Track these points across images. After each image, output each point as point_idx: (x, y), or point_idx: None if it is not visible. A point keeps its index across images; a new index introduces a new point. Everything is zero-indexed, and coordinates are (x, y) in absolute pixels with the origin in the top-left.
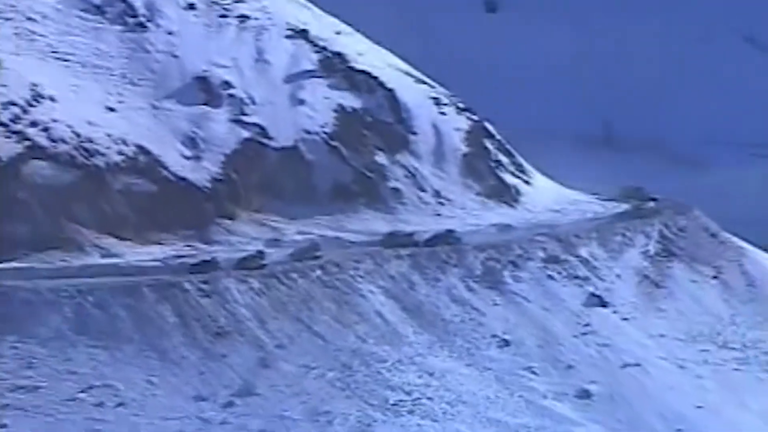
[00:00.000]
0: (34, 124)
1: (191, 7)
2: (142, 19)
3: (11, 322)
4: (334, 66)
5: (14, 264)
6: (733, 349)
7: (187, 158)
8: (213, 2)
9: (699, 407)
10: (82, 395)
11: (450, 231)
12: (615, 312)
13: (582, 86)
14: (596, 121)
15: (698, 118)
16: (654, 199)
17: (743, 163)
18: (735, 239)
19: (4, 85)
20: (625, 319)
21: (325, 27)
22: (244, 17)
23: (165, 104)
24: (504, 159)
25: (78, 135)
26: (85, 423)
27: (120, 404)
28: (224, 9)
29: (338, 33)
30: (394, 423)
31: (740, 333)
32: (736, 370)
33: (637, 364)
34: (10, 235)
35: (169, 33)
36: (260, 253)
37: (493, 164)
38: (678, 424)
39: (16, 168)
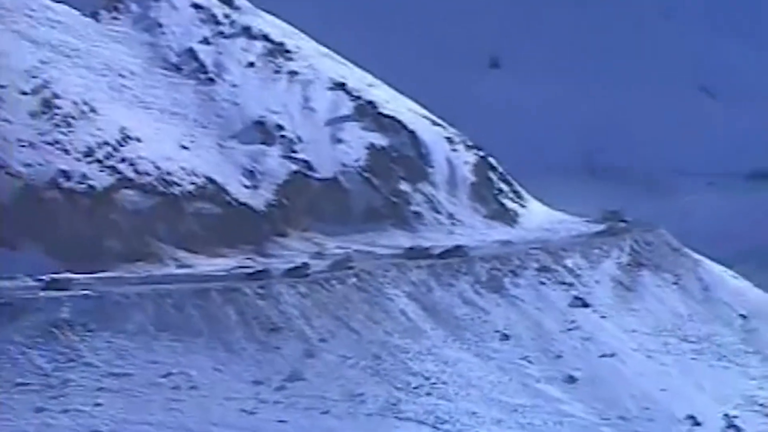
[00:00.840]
0: (123, 160)
1: (251, 65)
2: (211, 74)
3: (106, 321)
4: (366, 111)
5: (108, 273)
6: (691, 342)
7: (247, 187)
8: (269, 60)
9: (663, 390)
10: (162, 380)
11: (460, 246)
12: (595, 311)
13: (568, 126)
14: (580, 155)
15: (664, 153)
16: (625, 221)
17: (701, 190)
18: (693, 253)
19: (100, 129)
20: (603, 317)
21: (359, 80)
22: (293, 72)
23: (229, 143)
24: (504, 187)
25: (159, 168)
26: (164, 403)
27: (192, 387)
28: (278, 66)
29: (370, 85)
30: (415, 403)
31: (696, 328)
32: (693, 359)
33: (613, 354)
34: (105, 250)
35: (233, 86)
36: (305, 264)
37: (495, 191)
38: (646, 404)
39: (109, 196)
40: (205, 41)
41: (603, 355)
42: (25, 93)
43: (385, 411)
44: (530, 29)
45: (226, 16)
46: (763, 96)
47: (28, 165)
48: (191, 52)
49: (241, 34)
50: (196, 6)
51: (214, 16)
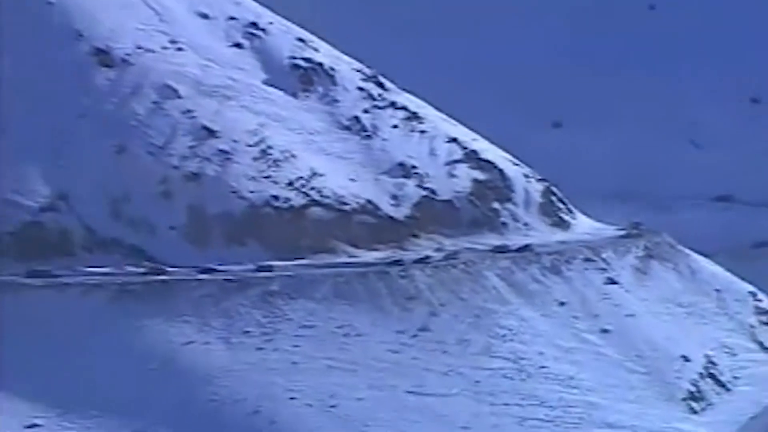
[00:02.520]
0: (312, 188)
1: (395, 126)
2: (369, 133)
3: (301, 291)
4: (471, 157)
5: (302, 261)
6: (684, 307)
7: (392, 205)
8: (407, 123)
9: (665, 338)
10: (337, 330)
11: (531, 244)
12: (621, 287)
13: (604, 167)
14: (615, 187)
15: (668, 182)
16: (641, 228)
17: (695, 209)
18: (686, 249)
19: (297, 168)
20: (627, 291)
21: (466, 135)
22: (423, 131)
23: (381, 177)
24: (561, 206)
25: (335, 194)
26: (339, 345)
27: (357, 335)
28: (413, 127)
29: (473, 139)
30: (502, 346)
31: (687, 298)
32: (684, 318)
33: (633, 315)
34: (300, 246)
35: (384, 140)
36: (429, 256)
37: (555, 209)
38: (654, 347)
39: (303, 211)
40: (366, 111)
41: (626, 315)
42: (249, 145)
43: (484, 351)
44: (585, 96)
45: (379, 94)
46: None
47: (251, 191)
48: (356, 118)
49: (389, 106)
50: (360, 88)
51: (371, 94)
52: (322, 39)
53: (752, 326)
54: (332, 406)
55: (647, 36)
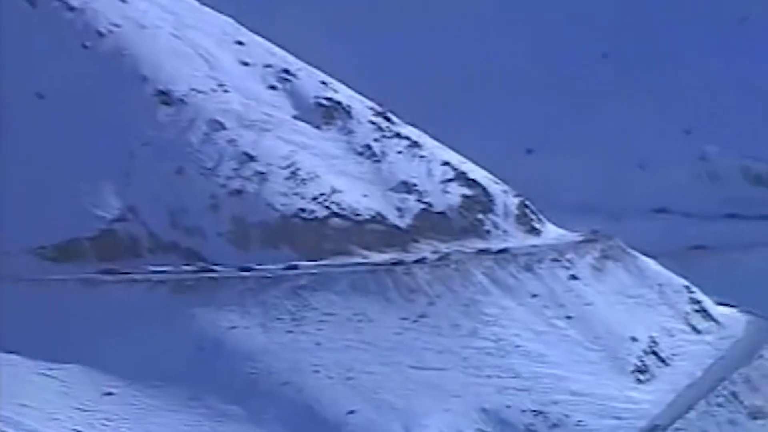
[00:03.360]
0: (333, 202)
1: (399, 152)
2: (378, 158)
3: (323, 286)
4: (461, 177)
5: (324, 261)
6: (632, 297)
7: (397, 216)
8: (410, 150)
9: (617, 322)
10: (353, 316)
11: (507, 248)
12: (581, 282)
13: (571, 186)
14: (577, 201)
15: (620, 198)
16: (598, 235)
17: (640, 219)
18: (633, 251)
19: (321, 185)
20: (586, 285)
21: (457, 159)
22: (422, 156)
23: (388, 193)
24: (533, 217)
25: (351, 207)
26: (354, 328)
27: (368, 320)
28: (414, 153)
29: (462, 162)
30: (485, 330)
31: (634, 290)
32: (633, 306)
33: (591, 303)
34: (322, 249)
35: (390, 163)
36: (426, 257)
37: (528, 219)
38: (608, 329)
39: (325, 221)
40: (376, 140)
41: (586, 304)
42: (282, 168)
43: (471, 334)
44: (553, 128)
45: (387, 126)
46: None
47: (283, 205)
48: (368, 146)
49: (395, 137)
50: (371, 122)
51: (380, 127)
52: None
53: (687, 313)
54: (349, 378)
55: (603, 83)
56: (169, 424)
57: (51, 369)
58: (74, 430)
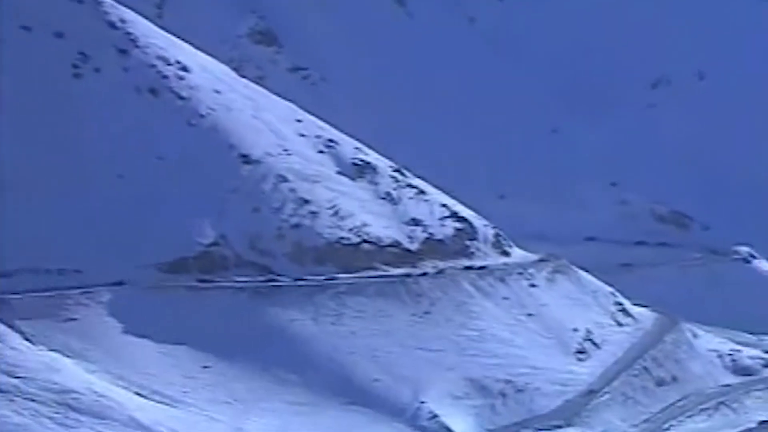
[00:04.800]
0: (363, 232)
1: (411, 198)
2: (395, 200)
3: (354, 292)
4: (453, 215)
5: (357, 274)
6: (573, 299)
7: (409, 242)
8: (418, 195)
9: (565, 318)
10: (375, 312)
11: (486, 265)
12: (539, 289)
13: (533, 225)
14: (535, 233)
15: (565, 230)
16: (551, 256)
17: (579, 245)
18: (575, 267)
19: (355, 222)
20: (542, 291)
21: (450, 201)
22: (427, 200)
23: (402, 227)
24: (504, 242)
25: (377, 236)
26: (373, 321)
27: (385, 316)
28: (420, 197)
29: (454, 204)
30: (470, 321)
31: (576, 296)
32: (575, 306)
33: (546, 304)
34: (357, 265)
35: (404, 205)
36: (427, 272)
37: (501, 244)
38: (558, 324)
39: (357, 246)
40: (394, 189)
41: (541, 305)
42: (327, 209)
43: (461, 326)
44: (517, 180)
45: (401, 178)
46: None
47: (328, 234)
48: (388, 193)
49: (407, 186)
50: (390, 176)
51: (396, 179)
52: None
53: (612, 312)
54: (374, 357)
55: (552, 153)
56: (248, 388)
57: (167, 348)
58: (184, 391)
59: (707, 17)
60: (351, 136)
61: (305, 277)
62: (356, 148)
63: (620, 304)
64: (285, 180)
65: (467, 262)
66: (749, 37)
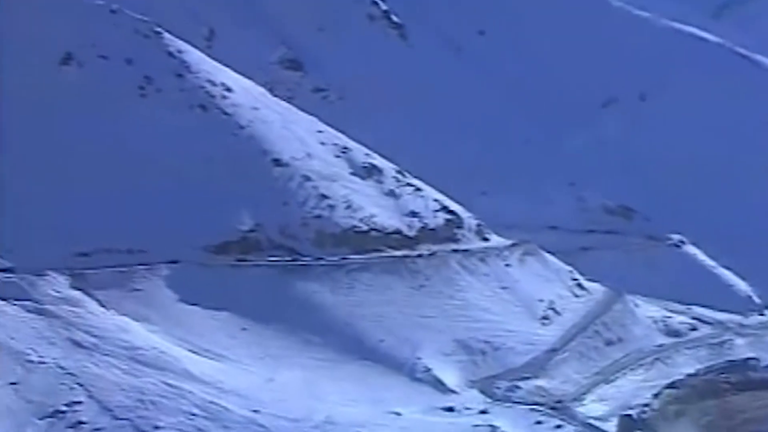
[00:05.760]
0: (372, 222)
1: (409, 194)
2: (398, 196)
3: (366, 268)
4: (444, 207)
5: (366, 255)
6: (541, 276)
7: (408, 230)
8: (415, 192)
9: (533, 290)
10: (384, 291)
11: (470, 248)
12: (512, 268)
13: (509, 217)
14: (510, 223)
15: (537, 221)
16: (523, 241)
17: (545, 233)
18: (542, 251)
19: (365, 213)
20: (515, 269)
21: (441, 197)
22: (423, 196)
23: (403, 218)
24: (485, 231)
25: (382, 224)
26: (388, 290)
27: (391, 288)
28: (417, 193)
29: (444, 198)
30: (457, 295)
31: (543, 273)
32: (542, 282)
33: (518, 280)
34: (366, 248)
35: (405, 200)
36: (422, 254)
37: (482, 232)
38: (528, 296)
39: (366, 233)
40: (396, 187)
41: (514, 281)
42: (343, 203)
43: (450, 297)
44: (500, 174)
45: (402, 179)
46: None
47: (343, 223)
48: (392, 191)
49: (406, 185)
50: (393, 177)
51: (398, 179)
52: None
53: (571, 286)
54: (380, 321)
55: (522, 163)
56: (278, 346)
57: (213, 314)
58: (226, 348)
59: (648, 49)
60: (361, 144)
61: (324, 258)
62: (366, 153)
63: (577, 280)
64: (308, 179)
65: (455, 246)
66: (682, 64)
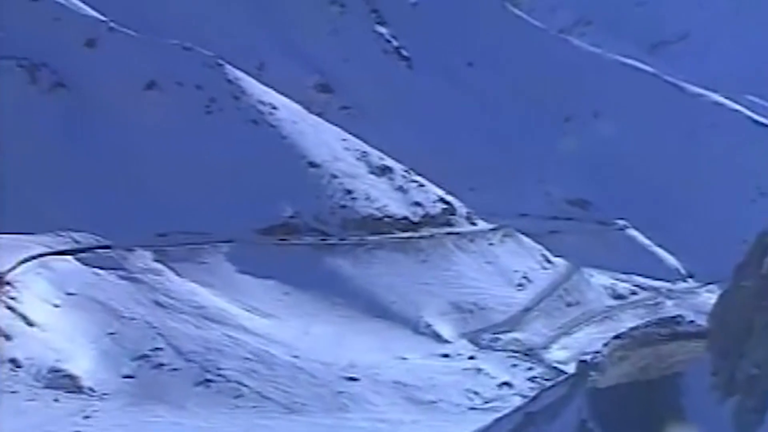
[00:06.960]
0: (384, 210)
1: (414, 189)
2: (405, 191)
3: (378, 247)
4: (442, 200)
5: (379, 236)
6: (517, 254)
7: (413, 216)
8: (419, 187)
9: (510, 264)
10: (392, 261)
11: (461, 231)
12: (496, 247)
13: (492, 207)
14: (494, 211)
15: (514, 209)
16: (504, 226)
17: (521, 220)
18: (517, 233)
19: (379, 203)
20: (498, 248)
21: (440, 190)
22: (425, 192)
23: (410, 207)
24: (474, 218)
25: (393, 212)
26: (392, 265)
27: (398, 262)
28: (420, 188)
29: (441, 192)
30: (452, 268)
31: (518, 251)
32: (517, 258)
33: (498, 257)
34: (381, 231)
35: (410, 194)
36: (424, 236)
37: (472, 218)
38: (507, 269)
39: (380, 219)
40: (404, 183)
41: (496, 256)
42: (362, 195)
43: (445, 269)
44: (485, 173)
45: (409, 176)
46: None
47: (363, 211)
48: (401, 186)
49: (411, 182)
50: (402, 175)
51: (404, 176)
52: None
53: (540, 260)
54: (390, 288)
55: (502, 166)
56: (312, 307)
57: (262, 281)
58: (273, 308)
59: (600, 76)
60: (377, 149)
61: (347, 238)
62: (380, 157)
63: (545, 256)
64: (336, 177)
65: (450, 230)
66: (625, 89)
